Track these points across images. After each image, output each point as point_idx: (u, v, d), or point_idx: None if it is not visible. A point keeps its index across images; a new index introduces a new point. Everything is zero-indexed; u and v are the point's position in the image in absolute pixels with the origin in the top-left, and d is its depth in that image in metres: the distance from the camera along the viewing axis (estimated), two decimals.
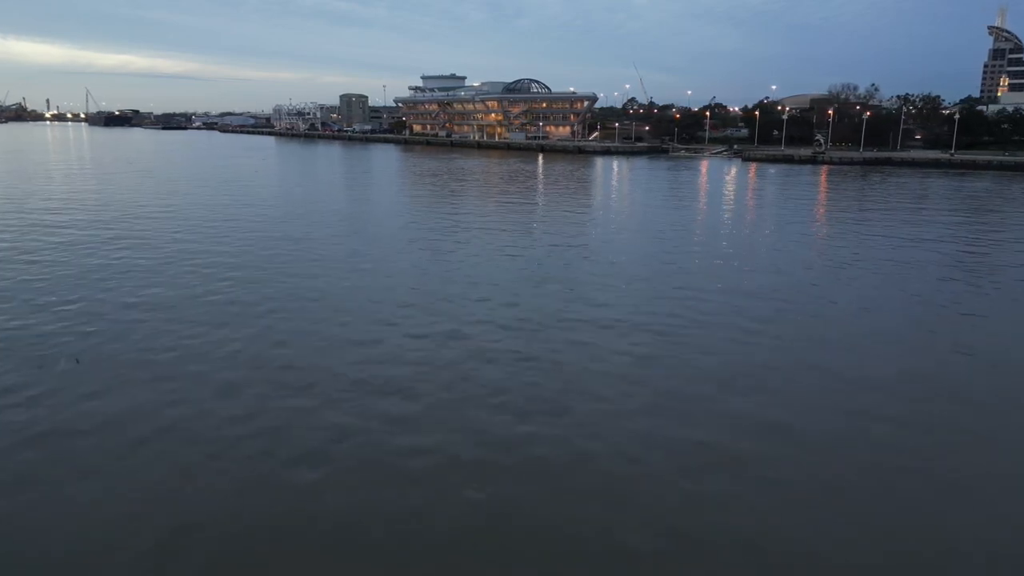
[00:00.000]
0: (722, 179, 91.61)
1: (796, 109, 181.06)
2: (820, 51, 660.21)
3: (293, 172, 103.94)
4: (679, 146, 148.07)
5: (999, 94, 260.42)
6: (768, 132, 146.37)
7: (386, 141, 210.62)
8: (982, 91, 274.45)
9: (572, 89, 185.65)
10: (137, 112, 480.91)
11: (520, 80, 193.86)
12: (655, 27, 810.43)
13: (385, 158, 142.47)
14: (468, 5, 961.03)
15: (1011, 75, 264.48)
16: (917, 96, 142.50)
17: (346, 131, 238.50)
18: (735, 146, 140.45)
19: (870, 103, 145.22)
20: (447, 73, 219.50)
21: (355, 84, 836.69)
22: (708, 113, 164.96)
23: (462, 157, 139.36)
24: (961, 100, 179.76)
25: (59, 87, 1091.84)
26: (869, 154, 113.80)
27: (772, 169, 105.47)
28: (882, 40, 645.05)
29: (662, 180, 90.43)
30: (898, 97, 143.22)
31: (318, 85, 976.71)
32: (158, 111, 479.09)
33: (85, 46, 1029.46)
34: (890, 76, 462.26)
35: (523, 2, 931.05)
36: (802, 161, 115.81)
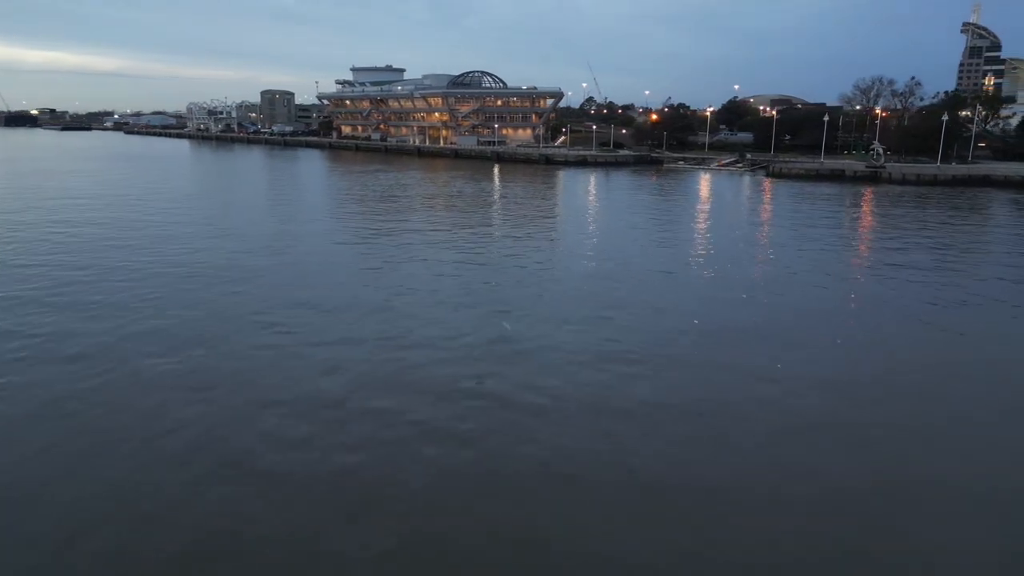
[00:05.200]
0: (788, 214, 58.54)
1: (770, 109, 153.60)
2: (765, 53, 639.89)
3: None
4: (673, 155, 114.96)
5: (985, 91, 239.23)
6: (778, 137, 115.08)
7: (308, 145, 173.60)
8: (959, 91, 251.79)
9: (525, 86, 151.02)
10: (53, 111, 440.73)
11: (470, 72, 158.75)
12: (602, 29, 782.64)
13: (284, 173, 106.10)
14: (415, 3, 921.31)
15: (995, 74, 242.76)
16: (968, 93, 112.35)
17: (263, 133, 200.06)
18: (748, 155, 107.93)
19: (909, 101, 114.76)
20: (382, 65, 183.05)
21: (297, 84, 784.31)
22: (708, 113, 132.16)
23: (395, 169, 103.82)
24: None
25: None
26: (954, 169, 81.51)
27: (818, 191, 73.17)
28: (828, 44, 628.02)
29: (691, 217, 56.94)
30: (946, 94, 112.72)
31: (260, 84, 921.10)
32: (83, 110, 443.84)
33: (11, 42, 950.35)
34: (841, 80, 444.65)
35: (470, 2, 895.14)
36: (856, 178, 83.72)
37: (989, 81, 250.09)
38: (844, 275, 34.90)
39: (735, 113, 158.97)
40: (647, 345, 23.48)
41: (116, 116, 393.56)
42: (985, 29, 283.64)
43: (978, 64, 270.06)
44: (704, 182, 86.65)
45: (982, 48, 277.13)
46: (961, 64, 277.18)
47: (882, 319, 26.99)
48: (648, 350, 22.97)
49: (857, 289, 32.28)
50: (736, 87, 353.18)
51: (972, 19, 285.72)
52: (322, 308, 27.30)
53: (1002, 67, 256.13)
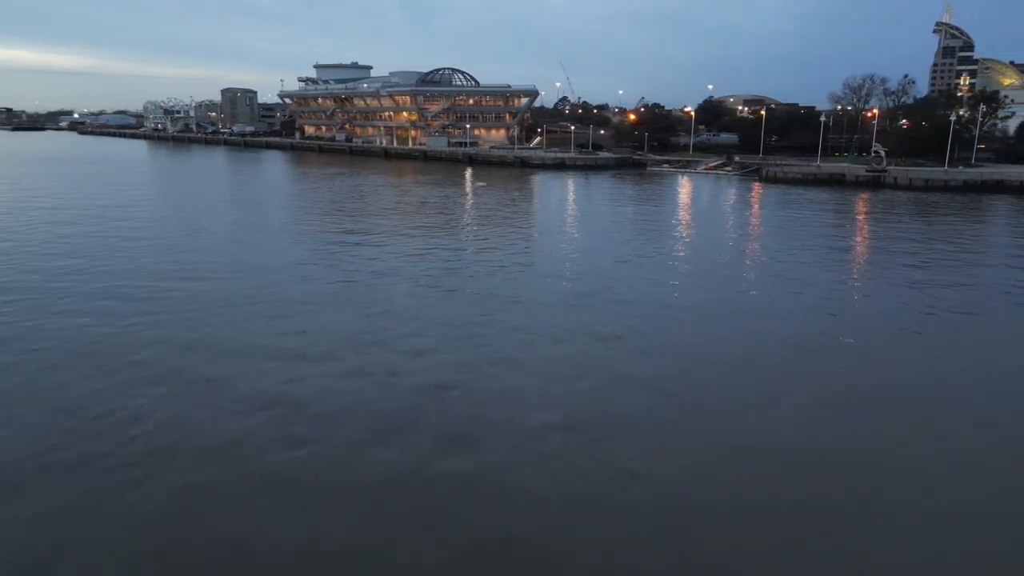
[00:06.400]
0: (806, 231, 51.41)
1: (745, 109, 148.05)
2: (733, 53, 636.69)
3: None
4: (657, 158, 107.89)
5: (959, 93, 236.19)
6: (765, 138, 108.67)
7: (269, 146, 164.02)
8: (932, 91, 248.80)
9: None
10: (10, 111, 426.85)
11: (439, 70, 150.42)
12: (573, 29, 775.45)
13: (229, 178, 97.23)
14: (385, 2, 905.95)
15: (969, 74, 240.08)
16: (963, 90, 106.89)
17: (222, 133, 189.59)
18: (736, 158, 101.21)
19: (903, 100, 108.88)
20: (347, 62, 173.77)
21: (264, 83, 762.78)
22: (692, 112, 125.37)
23: (357, 173, 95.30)
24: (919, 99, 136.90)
25: None
26: (964, 173, 74.96)
27: (818, 197, 66.47)
28: (795, 44, 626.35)
29: (684, 231, 49.60)
30: (941, 92, 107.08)
31: (228, 83, 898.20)
32: (44, 109, 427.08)
33: None
34: (813, 80, 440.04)
35: (441, 1, 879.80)
36: (857, 183, 77.14)
37: (964, 81, 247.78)
38: (869, 299, 27.60)
39: (712, 113, 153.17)
40: (637, 403, 16.51)
41: (75, 115, 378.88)
42: (958, 29, 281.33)
43: (951, 64, 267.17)
44: (692, 187, 79.56)
45: (955, 48, 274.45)
46: (934, 64, 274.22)
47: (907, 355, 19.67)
48: (640, 413, 15.56)
49: (889, 319, 24.96)
50: (710, 87, 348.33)
51: (944, 19, 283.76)
52: (219, 351, 19.25)
53: (975, 67, 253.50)
